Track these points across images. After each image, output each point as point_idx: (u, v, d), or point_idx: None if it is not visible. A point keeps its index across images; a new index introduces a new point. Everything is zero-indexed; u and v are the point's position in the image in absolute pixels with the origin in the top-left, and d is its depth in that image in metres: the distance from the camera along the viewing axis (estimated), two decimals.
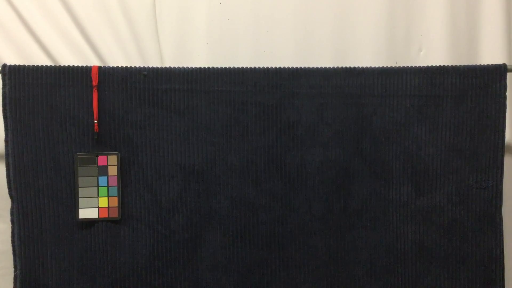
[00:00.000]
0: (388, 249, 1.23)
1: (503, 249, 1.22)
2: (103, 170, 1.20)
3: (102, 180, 1.20)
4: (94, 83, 1.18)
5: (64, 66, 1.20)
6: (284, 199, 1.22)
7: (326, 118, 1.21)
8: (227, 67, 1.21)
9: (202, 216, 1.22)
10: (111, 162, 1.20)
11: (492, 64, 1.21)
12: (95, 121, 1.18)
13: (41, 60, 1.35)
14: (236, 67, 1.21)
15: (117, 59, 1.36)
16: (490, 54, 1.36)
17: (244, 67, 1.21)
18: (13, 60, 1.34)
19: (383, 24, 1.36)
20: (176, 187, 1.21)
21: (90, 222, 1.20)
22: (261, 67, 1.21)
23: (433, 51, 1.37)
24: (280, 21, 1.37)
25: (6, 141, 1.19)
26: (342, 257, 1.23)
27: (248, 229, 1.22)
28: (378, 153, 1.22)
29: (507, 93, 1.20)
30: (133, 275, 1.21)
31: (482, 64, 1.22)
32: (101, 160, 1.19)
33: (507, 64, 1.21)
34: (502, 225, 1.22)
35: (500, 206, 1.21)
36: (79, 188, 1.19)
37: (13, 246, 1.21)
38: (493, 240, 1.21)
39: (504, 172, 1.21)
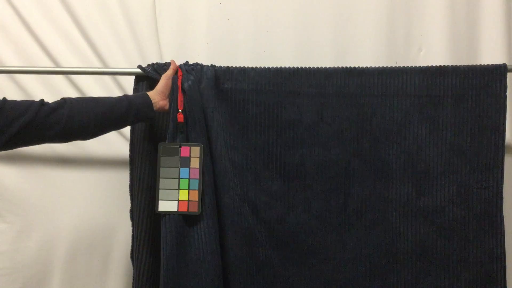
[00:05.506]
0: (388, 249, 1.22)
1: (504, 249, 1.21)
2: (185, 162, 1.14)
3: (184, 172, 1.14)
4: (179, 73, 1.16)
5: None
6: (284, 198, 1.21)
7: (326, 118, 1.21)
8: (227, 66, 1.21)
9: (202, 214, 1.21)
10: (194, 154, 1.14)
11: (492, 64, 1.21)
12: (179, 110, 1.13)
13: (41, 60, 1.35)
14: (236, 66, 1.21)
15: (117, 59, 1.36)
16: (490, 54, 1.36)
17: (244, 66, 1.21)
18: (13, 60, 1.35)
19: (383, 24, 1.36)
20: None
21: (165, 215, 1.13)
22: (261, 67, 1.21)
23: (433, 51, 1.37)
24: (280, 21, 1.37)
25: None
26: (342, 257, 1.22)
27: (248, 227, 1.21)
28: (378, 153, 1.21)
29: (507, 93, 1.20)
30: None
31: (482, 64, 1.22)
32: (184, 151, 1.14)
33: (507, 64, 1.21)
34: (503, 225, 1.21)
35: (501, 205, 1.21)
36: (160, 179, 1.14)
37: (137, 248, 1.19)
38: (494, 240, 1.21)
39: (505, 172, 1.20)
